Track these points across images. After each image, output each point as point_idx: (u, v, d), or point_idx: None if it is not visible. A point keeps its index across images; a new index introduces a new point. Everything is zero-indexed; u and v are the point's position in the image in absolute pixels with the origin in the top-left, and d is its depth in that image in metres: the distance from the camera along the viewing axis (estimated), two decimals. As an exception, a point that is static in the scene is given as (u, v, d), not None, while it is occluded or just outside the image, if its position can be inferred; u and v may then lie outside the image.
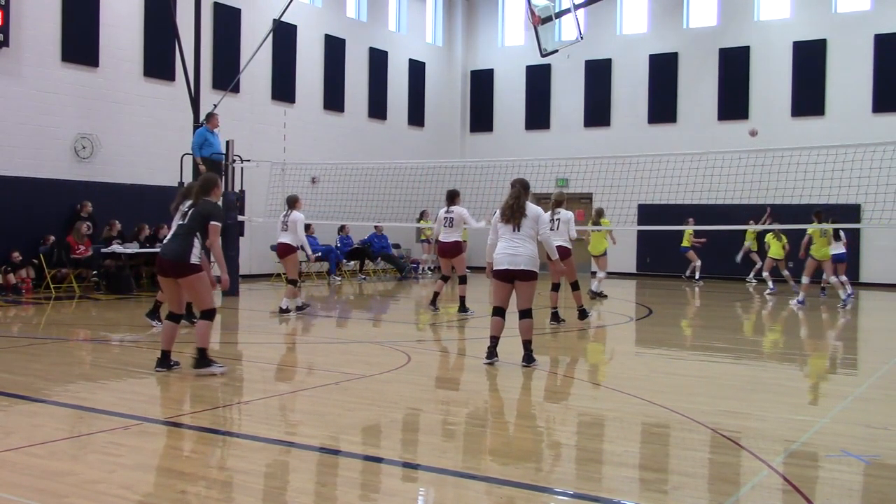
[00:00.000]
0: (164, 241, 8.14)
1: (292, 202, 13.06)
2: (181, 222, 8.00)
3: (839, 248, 15.57)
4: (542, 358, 8.95)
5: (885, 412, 6.77)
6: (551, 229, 10.90)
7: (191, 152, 15.44)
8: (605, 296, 16.71)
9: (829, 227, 15.08)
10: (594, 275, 17.23)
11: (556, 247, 10.91)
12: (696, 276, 21.04)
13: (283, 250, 12.96)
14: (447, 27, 27.28)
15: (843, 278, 15.58)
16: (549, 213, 11.18)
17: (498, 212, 8.61)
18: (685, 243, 20.81)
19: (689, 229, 20.00)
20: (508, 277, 8.35)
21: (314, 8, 22.48)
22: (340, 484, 4.76)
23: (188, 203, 8.12)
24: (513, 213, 8.39)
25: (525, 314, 8.40)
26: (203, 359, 7.73)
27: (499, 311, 8.50)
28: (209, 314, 7.79)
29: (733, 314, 15.27)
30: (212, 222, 7.75)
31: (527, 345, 8.50)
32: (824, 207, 15.84)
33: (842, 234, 15.68)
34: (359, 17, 24.12)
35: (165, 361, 7.89)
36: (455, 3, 27.30)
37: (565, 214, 11.91)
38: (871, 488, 4.82)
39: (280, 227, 12.97)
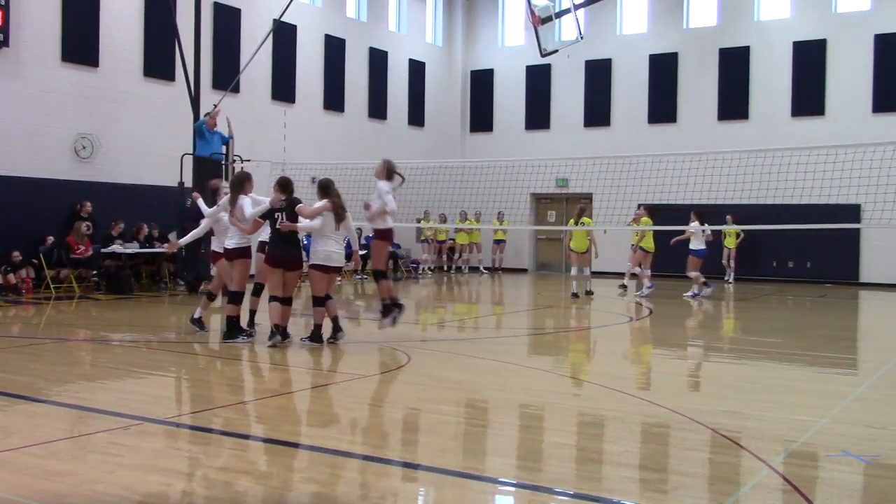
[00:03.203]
0: (275, 243, 9.76)
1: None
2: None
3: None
4: (543, 358, 8.94)
5: (885, 412, 6.77)
6: None
7: (190, 152, 15.45)
8: (591, 292, 17.10)
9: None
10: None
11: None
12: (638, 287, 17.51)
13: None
14: (447, 27, 27.27)
15: (648, 272, 17.09)
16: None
17: None
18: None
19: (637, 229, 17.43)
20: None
21: (314, 8, 22.48)
22: (340, 484, 4.76)
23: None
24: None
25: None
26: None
27: None
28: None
29: (733, 314, 15.27)
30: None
31: None
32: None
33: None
34: (359, 18, 24.11)
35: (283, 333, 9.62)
36: (455, 3, 27.29)
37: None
38: (871, 488, 4.82)
39: None
